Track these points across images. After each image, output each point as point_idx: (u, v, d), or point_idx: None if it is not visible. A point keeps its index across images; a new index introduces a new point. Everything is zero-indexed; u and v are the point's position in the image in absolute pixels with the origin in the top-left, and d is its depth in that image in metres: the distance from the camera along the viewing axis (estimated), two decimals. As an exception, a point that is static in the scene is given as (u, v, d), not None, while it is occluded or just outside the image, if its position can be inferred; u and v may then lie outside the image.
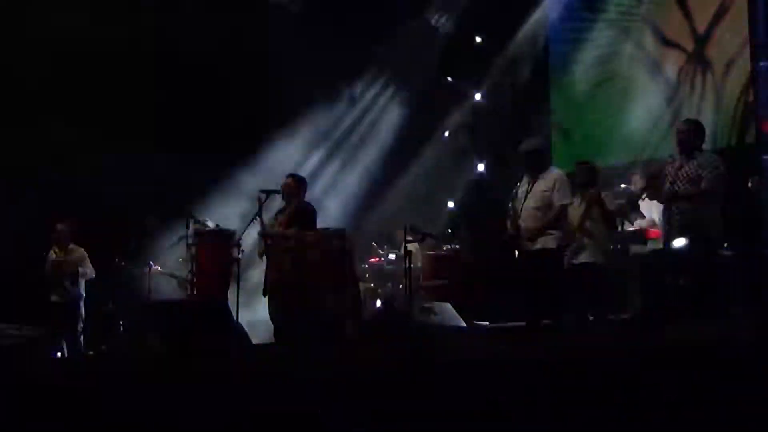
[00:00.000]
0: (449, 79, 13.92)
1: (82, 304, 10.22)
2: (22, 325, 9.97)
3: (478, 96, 13.93)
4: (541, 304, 7.36)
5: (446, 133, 13.97)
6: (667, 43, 11.98)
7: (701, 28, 11.58)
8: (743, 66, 10.94)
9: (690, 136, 7.24)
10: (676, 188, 7.12)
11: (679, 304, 5.94)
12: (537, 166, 7.69)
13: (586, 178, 8.21)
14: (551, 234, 7.49)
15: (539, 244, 7.45)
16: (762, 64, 10.63)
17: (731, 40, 11.13)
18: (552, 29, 13.31)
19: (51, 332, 10.36)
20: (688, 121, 7.53)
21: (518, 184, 7.75)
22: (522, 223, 7.50)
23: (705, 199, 7.11)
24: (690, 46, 11.69)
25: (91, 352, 9.11)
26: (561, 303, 7.42)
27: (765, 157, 10.29)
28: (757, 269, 7.97)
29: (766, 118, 10.57)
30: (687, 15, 11.77)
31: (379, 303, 9.87)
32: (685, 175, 7.13)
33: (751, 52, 10.83)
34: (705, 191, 7.07)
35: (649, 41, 12.14)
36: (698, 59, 11.55)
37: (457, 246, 11.12)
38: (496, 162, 13.24)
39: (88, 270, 10.24)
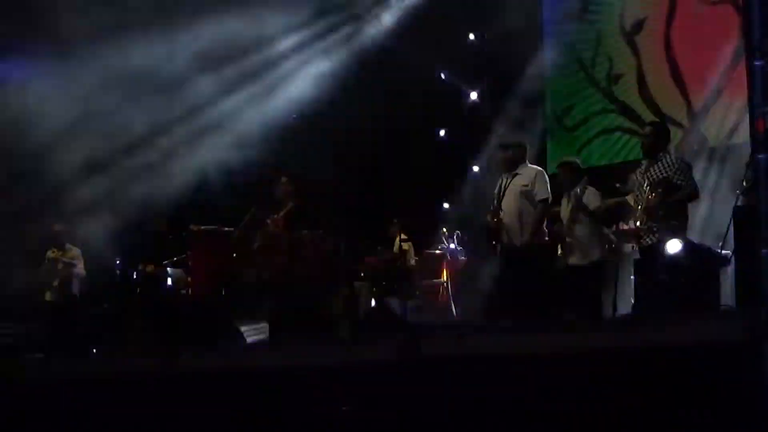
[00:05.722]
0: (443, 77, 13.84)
1: (75, 303, 10.22)
2: (18, 324, 10.02)
3: (474, 95, 13.86)
4: (528, 303, 7.41)
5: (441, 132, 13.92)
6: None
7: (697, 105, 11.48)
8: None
9: (654, 138, 7.20)
10: (643, 192, 7.02)
11: (671, 304, 5.94)
12: (514, 160, 7.73)
13: (569, 178, 8.10)
14: (537, 233, 7.55)
15: (522, 242, 7.50)
16: (756, 63, 10.55)
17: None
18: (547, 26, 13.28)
19: (46, 331, 10.39)
20: (652, 123, 7.49)
21: (500, 179, 7.83)
22: (505, 218, 7.54)
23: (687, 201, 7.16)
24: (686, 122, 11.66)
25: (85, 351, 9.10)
26: (548, 301, 7.45)
27: (760, 156, 10.18)
28: (752, 269, 7.92)
29: (761, 116, 10.47)
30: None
31: (373, 302, 9.88)
32: (651, 178, 7.05)
33: (746, 52, 10.72)
34: (690, 195, 7.06)
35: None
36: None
37: (451, 245, 11.12)
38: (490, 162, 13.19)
39: (80, 269, 10.23)
